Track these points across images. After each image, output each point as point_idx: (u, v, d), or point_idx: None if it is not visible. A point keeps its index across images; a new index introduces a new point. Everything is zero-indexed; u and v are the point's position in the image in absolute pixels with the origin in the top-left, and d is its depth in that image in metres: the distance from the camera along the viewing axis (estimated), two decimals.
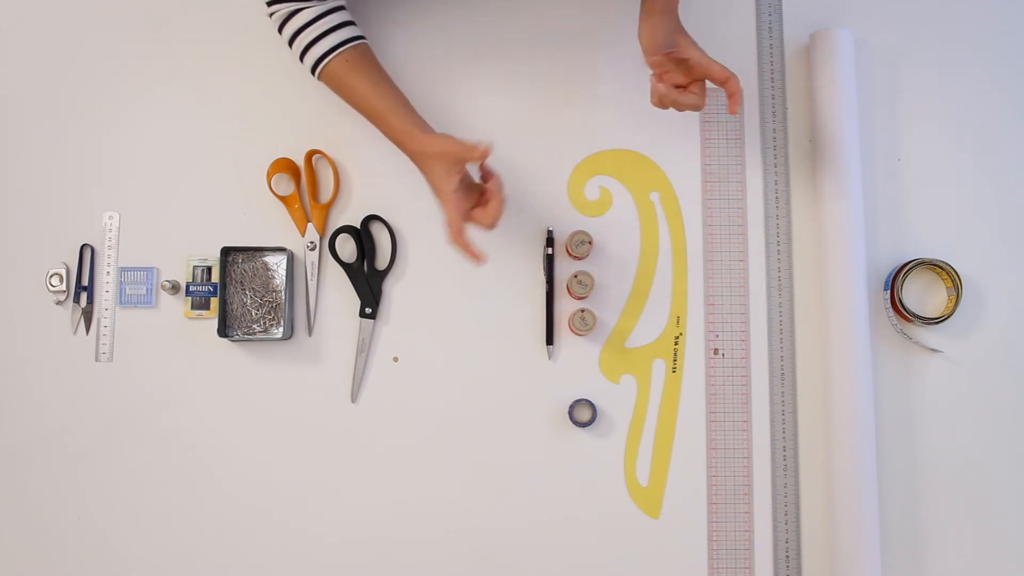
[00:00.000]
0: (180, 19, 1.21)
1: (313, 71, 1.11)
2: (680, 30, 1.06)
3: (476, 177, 1.08)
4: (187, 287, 1.15)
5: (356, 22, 1.11)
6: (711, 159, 1.19)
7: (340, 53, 1.09)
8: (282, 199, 1.17)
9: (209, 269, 1.16)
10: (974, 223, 1.17)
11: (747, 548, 1.12)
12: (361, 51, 1.11)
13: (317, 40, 1.08)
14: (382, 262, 1.17)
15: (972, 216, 1.17)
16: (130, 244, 1.17)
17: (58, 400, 1.14)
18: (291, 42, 1.10)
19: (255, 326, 1.15)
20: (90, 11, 1.21)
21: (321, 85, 1.18)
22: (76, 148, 1.19)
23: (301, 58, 1.10)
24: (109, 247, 1.17)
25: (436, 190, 1.05)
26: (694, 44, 1.04)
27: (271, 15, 1.10)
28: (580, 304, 1.15)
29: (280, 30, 1.11)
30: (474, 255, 1.03)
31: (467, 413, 1.14)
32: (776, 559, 1.12)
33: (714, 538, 1.12)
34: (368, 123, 1.15)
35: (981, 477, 1.13)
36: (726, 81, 1.01)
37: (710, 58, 1.03)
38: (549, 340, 1.14)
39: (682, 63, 1.04)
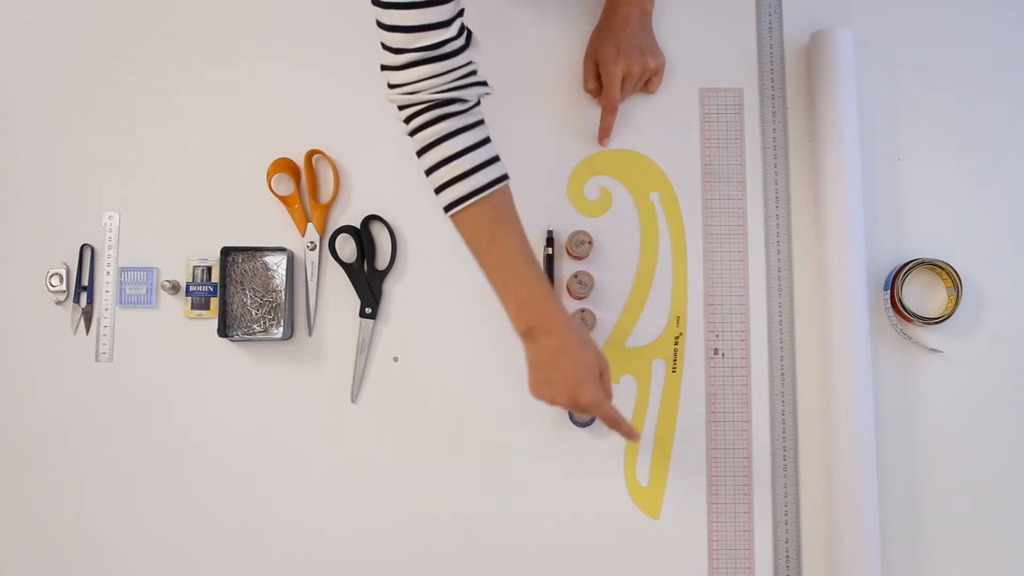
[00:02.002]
0: (180, 20, 1.21)
1: (446, 211, 0.97)
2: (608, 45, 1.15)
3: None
4: (187, 287, 1.15)
5: (498, 158, 0.98)
6: (711, 159, 1.19)
7: (491, 194, 0.95)
8: (282, 199, 1.17)
9: (209, 269, 1.16)
10: (974, 223, 1.17)
11: (747, 548, 1.12)
12: (508, 196, 0.97)
13: (469, 174, 0.94)
14: (382, 262, 1.17)
15: (972, 216, 1.17)
16: (130, 244, 1.17)
17: (58, 400, 1.14)
18: (430, 172, 0.96)
19: (255, 326, 1.15)
20: (90, 12, 1.21)
21: (320, 85, 1.18)
22: (76, 148, 1.19)
23: (437, 191, 0.97)
24: (109, 247, 1.17)
25: (583, 371, 0.96)
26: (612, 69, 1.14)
27: (413, 132, 0.95)
28: (580, 304, 1.15)
29: (419, 155, 0.97)
30: (631, 432, 0.98)
31: (467, 413, 1.14)
32: (776, 559, 1.12)
33: (714, 538, 1.12)
34: (368, 123, 1.15)
35: (981, 477, 1.13)
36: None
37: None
38: None
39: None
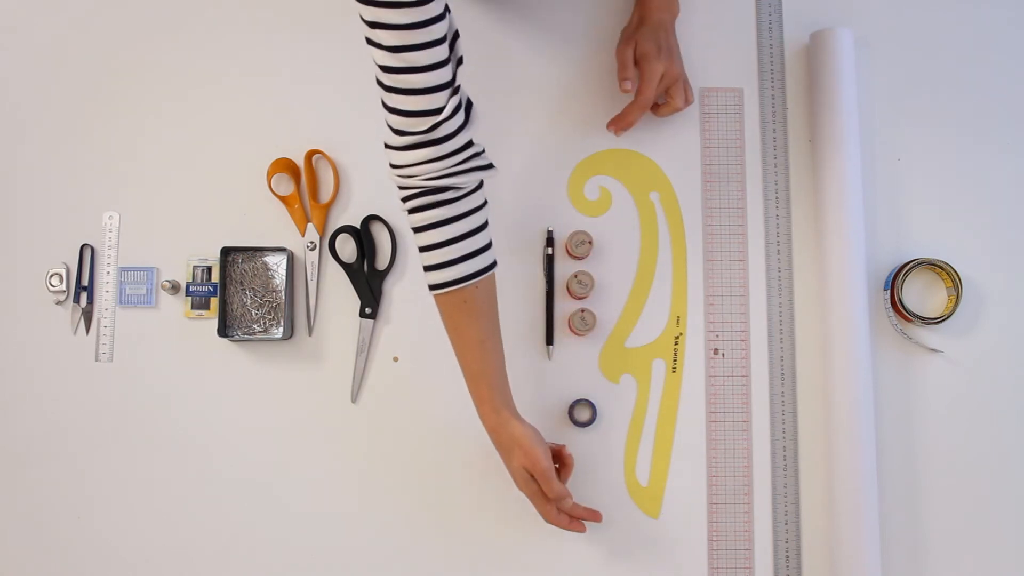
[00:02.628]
0: (180, 20, 1.21)
1: (431, 289, 1.00)
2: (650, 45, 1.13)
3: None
4: (187, 287, 1.15)
5: (490, 246, 1.00)
6: (711, 159, 1.19)
7: (465, 288, 0.98)
8: (282, 199, 1.17)
9: (209, 269, 1.16)
10: (974, 223, 1.17)
11: (747, 548, 1.12)
12: (484, 288, 0.99)
13: (449, 264, 0.97)
14: (382, 262, 1.17)
15: (972, 216, 1.17)
16: (130, 244, 1.17)
17: (58, 400, 1.14)
18: (422, 250, 0.98)
19: (255, 326, 1.15)
20: (90, 12, 1.21)
21: (320, 85, 1.18)
22: (76, 148, 1.19)
23: (426, 271, 0.99)
24: (109, 247, 1.17)
25: (530, 467, 1.01)
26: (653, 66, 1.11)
27: (409, 212, 0.97)
28: (580, 304, 1.15)
29: (415, 231, 0.98)
30: (577, 526, 1.03)
31: (467, 413, 1.14)
32: (776, 559, 1.12)
33: (714, 538, 1.12)
34: (368, 123, 1.15)
35: (981, 477, 1.13)
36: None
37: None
38: (549, 340, 1.14)
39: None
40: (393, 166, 0.95)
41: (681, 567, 1.12)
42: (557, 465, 1.05)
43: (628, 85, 1.12)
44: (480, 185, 0.98)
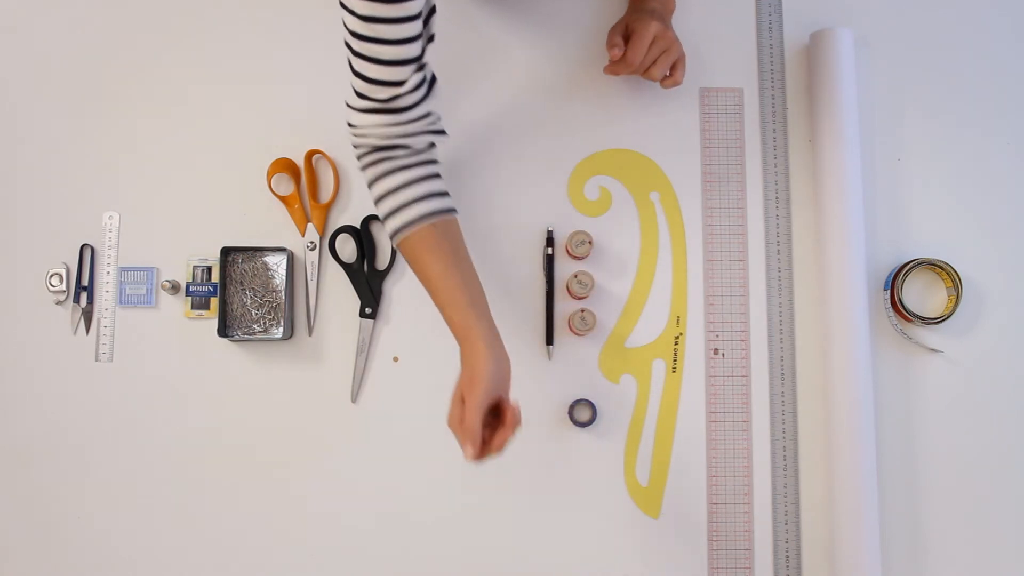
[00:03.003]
0: (180, 20, 1.21)
1: (392, 238, 1.02)
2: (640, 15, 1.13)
3: None
4: (187, 287, 1.15)
5: (445, 193, 1.03)
6: (711, 159, 1.19)
7: (420, 227, 1.00)
8: (282, 199, 1.17)
9: (209, 269, 1.16)
10: (974, 223, 1.17)
11: (747, 548, 1.12)
12: (443, 230, 1.01)
13: (402, 208, 1.00)
14: (382, 262, 1.17)
15: (972, 216, 1.17)
16: (130, 244, 1.17)
17: (58, 400, 1.14)
18: (378, 201, 1.02)
19: (255, 326, 1.15)
20: (90, 12, 1.21)
21: (321, 85, 1.18)
22: (76, 148, 1.19)
23: (383, 220, 1.02)
24: (109, 247, 1.17)
25: (466, 393, 0.97)
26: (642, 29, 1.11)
27: (363, 168, 1.02)
28: (580, 304, 1.15)
29: (370, 187, 1.02)
30: (472, 453, 0.96)
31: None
32: (776, 559, 1.12)
33: (714, 538, 1.12)
34: None
35: (981, 477, 1.13)
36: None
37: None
38: (549, 340, 1.14)
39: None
40: (350, 124, 0.99)
41: (681, 567, 1.12)
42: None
43: (616, 51, 1.11)
44: (432, 146, 1.03)
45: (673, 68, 1.15)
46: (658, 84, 1.15)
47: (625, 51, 1.11)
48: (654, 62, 1.12)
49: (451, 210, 1.02)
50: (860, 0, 1.22)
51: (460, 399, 0.98)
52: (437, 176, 1.02)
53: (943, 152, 1.19)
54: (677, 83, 1.15)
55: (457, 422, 0.96)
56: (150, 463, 1.13)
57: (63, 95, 1.20)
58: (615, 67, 1.13)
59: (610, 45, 1.13)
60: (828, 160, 1.15)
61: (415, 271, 1.03)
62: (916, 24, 1.21)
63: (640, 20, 1.12)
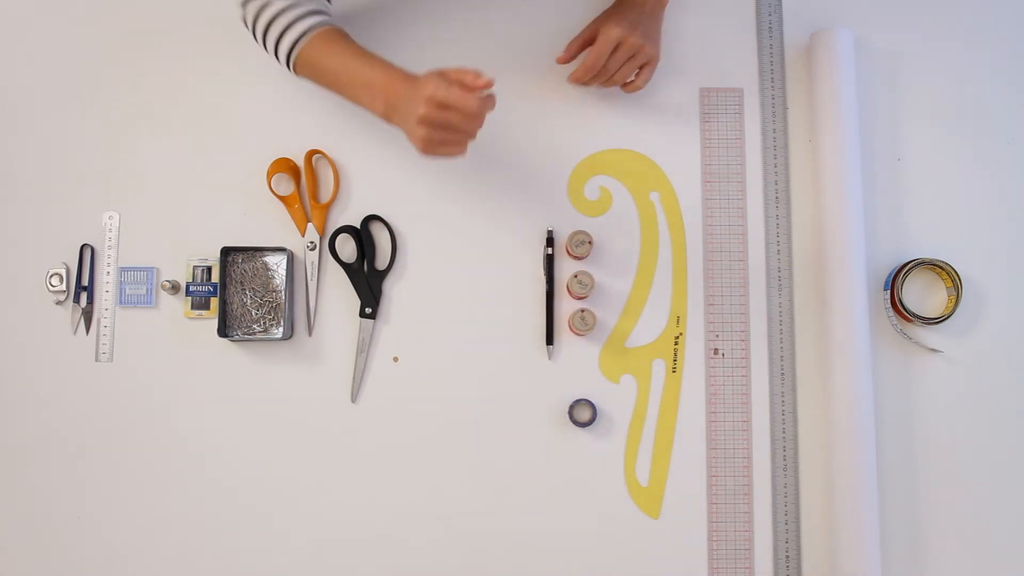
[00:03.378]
0: (180, 20, 1.21)
1: (288, 63, 1.07)
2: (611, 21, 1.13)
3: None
4: (187, 287, 1.15)
5: (328, 13, 1.08)
6: (711, 159, 1.19)
7: (311, 37, 1.05)
8: (282, 199, 1.17)
9: (209, 269, 1.16)
10: (974, 223, 1.17)
11: (747, 548, 1.12)
12: (331, 32, 1.06)
13: (287, 29, 1.04)
14: (382, 262, 1.17)
15: (972, 216, 1.17)
16: (130, 244, 1.17)
17: (58, 400, 1.14)
18: (264, 36, 1.06)
19: (255, 326, 1.15)
20: (90, 12, 1.21)
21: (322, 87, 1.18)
22: (76, 148, 1.19)
23: (276, 52, 1.07)
24: (109, 247, 1.17)
25: (417, 127, 0.98)
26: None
27: (244, 20, 1.07)
28: (580, 304, 1.15)
29: (253, 29, 1.07)
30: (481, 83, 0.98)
31: (467, 413, 1.14)
32: (776, 559, 1.12)
33: (714, 538, 1.12)
34: (368, 123, 1.15)
35: (981, 477, 1.13)
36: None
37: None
38: (549, 340, 1.14)
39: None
40: None
41: (681, 567, 1.12)
42: None
43: (562, 56, 1.15)
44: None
45: (638, 72, 1.15)
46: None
47: (586, 58, 1.12)
48: (619, 68, 1.13)
49: (332, 23, 1.06)
50: (860, 0, 1.22)
51: (439, 114, 0.97)
52: (320, 10, 1.06)
53: (943, 152, 1.19)
54: (637, 88, 1.16)
55: (456, 94, 0.97)
56: (150, 463, 1.13)
57: (63, 95, 1.20)
58: (577, 75, 1.14)
59: (567, 48, 1.15)
60: (828, 160, 1.15)
61: (321, 73, 1.06)
62: (916, 24, 1.21)
63: (604, 25, 1.13)
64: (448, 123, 0.98)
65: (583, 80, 1.14)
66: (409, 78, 1.01)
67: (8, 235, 1.18)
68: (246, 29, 1.08)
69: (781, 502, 1.12)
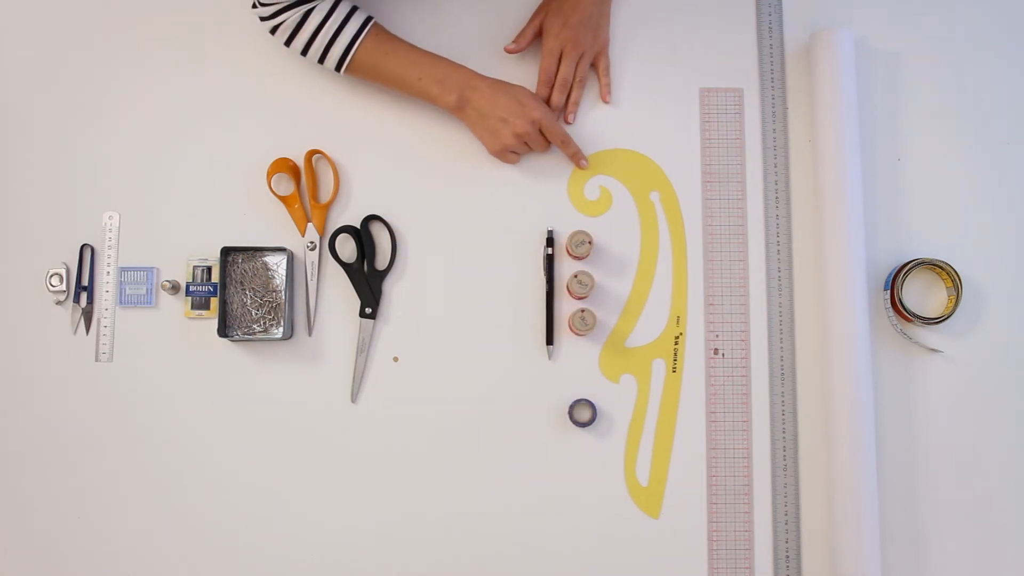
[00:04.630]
0: (180, 19, 1.21)
1: (339, 68, 1.12)
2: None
3: None
4: (187, 287, 1.15)
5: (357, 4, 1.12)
6: (711, 159, 1.19)
7: (363, 41, 1.10)
8: (282, 199, 1.17)
9: (209, 269, 1.16)
10: (974, 223, 1.17)
11: (747, 548, 1.12)
12: (379, 31, 1.11)
13: (336, 36, 1.09)
14: (382, 262, 1.17)
15: (972, 216, 1.17)
16: (130, 244, 1.17)
17: (58, 400, 1.14)
18: (306, 49, 1.10)
19: (255, 326, 1.15)
20: (89, 11, 1.21)
21: (321, 85, 1.18)
22: (76, 148, 1.19)
23: (322, 60, 1.11)
24: (109, 247, 1.17)
25: (502, 139, 1.11)
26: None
27: (274, 31, 1.10)
28: (580, 304, 1.15)
29: (288, 43, 1.10)
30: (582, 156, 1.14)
31: (467, 413, 1.14)
32: (776, 559, 1.12)
33: (714, 538, 1.12)
34: (368, 123, 1.15)
35: (981, 477, 1.13)
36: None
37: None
38: (549, 340, 1.14)
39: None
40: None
41: (681, 567, 1.12)
42: None
43: (511, 45, 1.17)
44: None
45: (595, 64, 1.18)
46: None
47: (538, 76, 1.16)
48: (574, 72, 1.16)
49: (371, 17, 1.11)
50: (860, 0, 1.22)
51: (535, 131, 1.10)
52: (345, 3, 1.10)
53: (943, 152, 1.19)
54: (599, 75, 1.18)
55: (574, 147, 1.14)
56: (150, 463, 1.13)
57: (63, 95, 1.20)
58: (551, 102, 1.17)
59: (513, 43, 1.17)
60: (828, 160, 1.15)
61: (382, 70, 1.10)
62: (916, 24, 1.21)
63: (546, 31, 1.16)
64: (533, 143, 1.13)
65: (556, 103, 1.16)
66: (487, 78, 1.11)
67: (8, 235, 1.18)
68: (272, 35, 1.12)
69: (781, 502, 1.12)
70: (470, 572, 1.12)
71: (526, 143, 1.13)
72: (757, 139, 1.19)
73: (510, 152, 1.14)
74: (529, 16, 1.19)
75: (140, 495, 1.13)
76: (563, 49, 1.14)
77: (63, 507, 1.13)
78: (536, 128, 1.12)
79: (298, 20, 1.08)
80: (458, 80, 1.11)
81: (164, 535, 1.12)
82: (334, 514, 1.13)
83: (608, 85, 1.18)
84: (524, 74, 1.18)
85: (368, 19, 1.11)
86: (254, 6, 1.09)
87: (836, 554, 1.09)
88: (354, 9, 1.10)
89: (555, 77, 1.15)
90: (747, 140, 1.19)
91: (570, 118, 1.17)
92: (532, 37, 1.17)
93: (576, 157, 1.14)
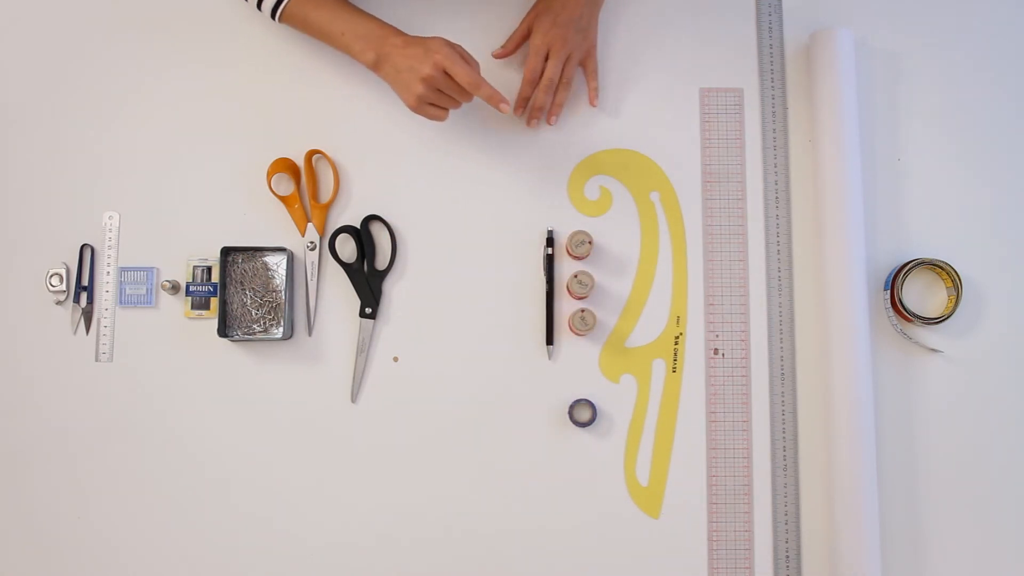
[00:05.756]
0: (180, 19, 1.21)
1: (273, 15, 1.12)
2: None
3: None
4: (187, 287, 1.15)
5: None
6: (711, 159, 1.19)
7: None
8: (282, 199, 1.17)
9: (209, 269, 1.16)
10: (974, 223, 1.17)
11: (747, 548, 1.12)
12: None
13: None
14: (382, 262, 1.17)
15: (972, 216, 1.17)
16: (130, 244, 1.17)
17: (58, 400, 1.14)
18: None
19: (255, 326, 1.15)
20: (89, 11, 1.21)
21: (320, 85, 1.18)
22: (76, 148, 1.19)
23: (259, 5, 1.12)
24: (109, 247, 1.17)
25: (412, 87, 1.06)
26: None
27: None
28: (580, 304, 1.15)
29: None
30: (501, 98, 1.05)
31: (467, 413, 1.14)
32: (776, 559, 1.12)
33: (714, 538, 1.12)
34: (368, 123, 1.15)
35: (981, 477, 1.13)
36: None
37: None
38: (549, 340, 1.14)
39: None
40: None
41: (681, 567, 1.12)
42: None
43: (499, 50, 1.18)
44: None
45: (584, 65, 1.17)
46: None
47: (523, 75, 1.15)
48: (560, 73, 1.15)
49: None
50: (860, 0, 1.22)
51: (441, 74, 1.04)
52: None
53: (943, 152, 1.19)
54: (588, 78, 1.17)
55: (487, 88, 1.04)
56: (150, 463, 1.13)
57: (63, 95, 1.20)
58: (532, 102, 1.16)
59: (502, 47, 1.18)
60: (828, 160, 1.15)
61: (310, 22, 1.11)
62: (916, 24, 1.21)
63: (535, 30, 1.15)
64: (446, 89, 1.06)
65: (541, 103, 1.15)
66: (406, 35, 1.09)
67: (8, 235, 1.18)
68: None
69: (781, 502, 1.12)
70: (470, 572, 1.12)
71: (439, 90, 1.06)
72: (757, 139, 1.19)
73: (427, 105, 1.07)
74: (522, 17, 1.18)
75: (140, 495, 1.13)
76: (550, 48, 1.14)
77: (63, 507, 1.13)
78: (441, 71, 1.04)
79: None
80: (377, 37, 1.09)
81: (164, 535, 1.12)
82: (334, 514, 1.13)
83: (596, 89, 1.18)
84: (515, 76, 1.18)
85: None
86: None
87: (836, 554, 1.09)
88: None
89: (540, 76, 1.15)
90: (747, 140, 1.19)
91: (552, 119, 1.17)
92: (520, 40, 1.17)
93: (493, 99, 1.04)
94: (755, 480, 1.13)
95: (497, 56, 1.17)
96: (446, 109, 1.09)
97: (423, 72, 1.04)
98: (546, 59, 1.14)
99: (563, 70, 1.15)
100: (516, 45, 1.18)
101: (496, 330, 1.15)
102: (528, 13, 1.17)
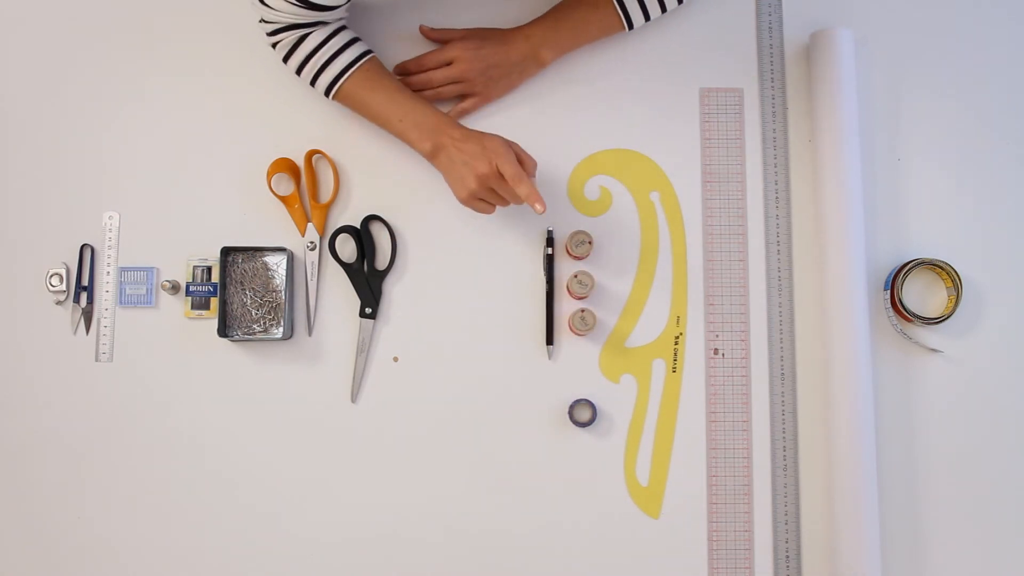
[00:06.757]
0: (180, 19, 1.21)
1: (327, 93, 1.12)
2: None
3: None
4: (187, 287, 1.15)
5: (360, 36, 1.12)
6: (711, 159, 1.19)
7: (353, 73, 1.10)
8: (282, 199, 1.17)
9: (209, 269, 1.16)
10: (974, 223, 1.17)
11: (747, 548, 1.12)
12: (372, 66, 1.12)
13: (328, 63, 1.10)
14: (382, 262, 1.17)
15: (972, 216, 1.17)
16: (130, 244, 1.17)
17: (58, 400, 1.14)
18: (300, 69, 1.11)
19: (255, 326, 1.15)
20: (89, 12, 1.21)
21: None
22: (76, 148, 1.19)
23: (313, 83, 1.12)
24: (109, 247, 1.17)
25: (466, 184, 1.07)
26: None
27: (274, 45, 1.11)
28: (580, 304, 1.15)
29: (286, 60, 1.11)
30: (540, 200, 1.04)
31: (467, 413, 1.14)
32: (776, 559, 1.12)
33: (714, 538, 1.12)
34: (368, 123, 1.15)
35: (981, 477, 1.13)
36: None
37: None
38: (549, 340, 1.14)
39: None
40: (263, 3, 1.03)
41: (681, 567, 1.12)
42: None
43: (428, 29, 1.18)
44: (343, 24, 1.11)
45: (461, 98, 1.17)
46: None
47: (419, 56, 1.17)
48: (438, 86, 1.16)
49: (371, 52, 1.12)
50: (860, 0, 1.22)
51: (491, 180, 1.05)
52: (346, 27, 1.11)
53: (943, 152, 1.19)
54: (456, 114, 1.17)
55: (527, 187, 1.03)
56: (150, 463, 1.13)
57: (63, 95, 1.20)
58: (406, 65, 1.17)
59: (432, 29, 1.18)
60: (828, 160, 1.15)
61: (366, 104, 1.12)
62: (916, 24, 1.21)
63: (460, 39, 1.16)
64: (498, 188, 1.06)
65: (409, 72, 1.17)
66: (463, 127, 1.10)
67: (8, 235, 1.18)
68: (271, 49, 1.12)
69: (781, 502, 1.12)
70: (470, 571, 1.12)
71: (491, 189, 1.06)
72: (757, 139, 1.19)
73: (478, 200, 1.08)
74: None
75: (140, 495, 1.13)
76: (454, 62, 1.14)
77: (63, 507, 1.13)
78: (495, 170, 1.05)
79: (294, 41, 1.09)
80: (435, 127, 1.09)
81: (164, 535, 1.12)
82: (334, 513, 1.13)
83: (461, 114, 1.17)
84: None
85: (365, 53, 1.11)
86: (261, 21, 1.09)
87: (836, 554, 1.09)
88: (353, 40, 1.11)
89: (425, 71, 1.16)
90: (747, 140, 1.19)
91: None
92: (449, 36, 1.17)
93: (530, 199, 1.03)
94: (755, 480, 1.13)
95: (421, 31, 1.18)
96: (493, 208, 1.10)
97: (479, 170, 1.05)
98: (442, 67, 1.15)
99: (445, 87, 1.16)
100: (440, 38, 1.17)
101: (496, 330, 1.15)
102: (473, 28, 1.18)
